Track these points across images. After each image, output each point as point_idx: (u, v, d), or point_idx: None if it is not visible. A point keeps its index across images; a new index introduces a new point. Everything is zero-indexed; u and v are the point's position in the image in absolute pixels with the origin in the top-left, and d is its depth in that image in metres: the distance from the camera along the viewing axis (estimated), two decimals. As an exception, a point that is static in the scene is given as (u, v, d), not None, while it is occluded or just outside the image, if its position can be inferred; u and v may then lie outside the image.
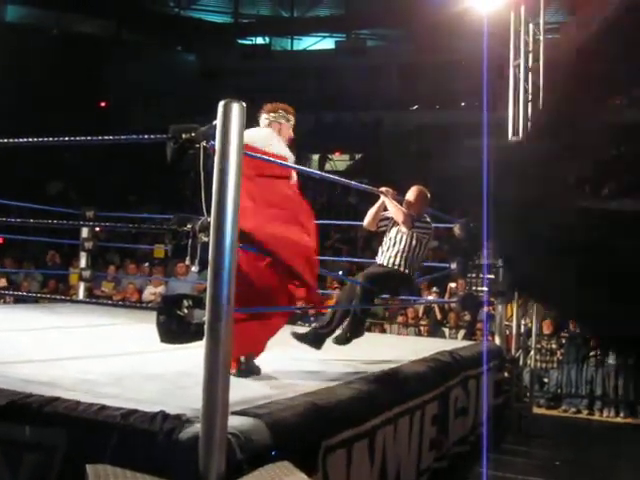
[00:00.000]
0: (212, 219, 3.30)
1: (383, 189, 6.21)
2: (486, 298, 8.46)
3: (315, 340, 5.87)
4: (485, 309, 9.45)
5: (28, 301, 10.38)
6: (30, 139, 4.32)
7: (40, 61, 27.14)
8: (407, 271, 6.16)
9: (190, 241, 3.65)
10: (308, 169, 4.98)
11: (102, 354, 5.51)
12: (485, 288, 8.58)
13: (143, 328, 6.85)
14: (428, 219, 6.35)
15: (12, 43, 27.34)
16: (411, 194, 6.35)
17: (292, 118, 5.60)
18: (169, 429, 3.22)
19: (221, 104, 3.34)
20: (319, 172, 5.14)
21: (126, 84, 29.01)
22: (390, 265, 6.15)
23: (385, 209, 6.26)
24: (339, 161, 29.72)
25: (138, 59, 29.55)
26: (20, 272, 14.33)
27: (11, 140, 4.42)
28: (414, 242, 6.12)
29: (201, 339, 3.31)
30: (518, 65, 9.29)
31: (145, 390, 4.06)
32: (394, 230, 6.23)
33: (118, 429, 3.29)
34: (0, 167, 19.49)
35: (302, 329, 6.17)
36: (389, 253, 6.19)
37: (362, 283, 5.98)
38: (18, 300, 10.72)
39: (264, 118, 5.43)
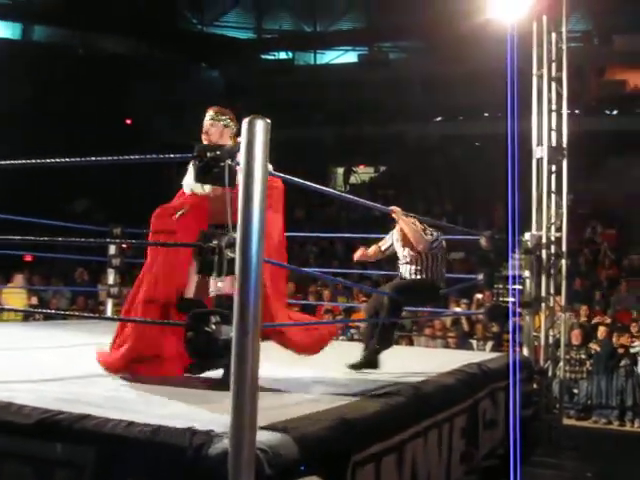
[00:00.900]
0: (238, 236, 3.32)
1: (393, 208, 6.20)
2: (512, 309, 8.42)
3: (370, 363, 5.94)
4: (512, 320, 9.39)
5: (57, 318, 10.45)
6: (56, 159, 4.37)
7: (67, 79, 27.44)
8: (432, 281, 6.17)
9: (216, 257, 3.67)
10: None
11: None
12: (512, 299, 8.54)
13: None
14: (434, 232, 6.32)
15: (40, 62, 27.70)
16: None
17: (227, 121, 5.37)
18: (198, 445, 3.23)
19: (245, 121, 3.36)
20: (324, 188, 5.10)
21: (152, 101, 29.25)
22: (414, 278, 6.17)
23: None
24: (364, 174, 29.75)
25: (163, 76, 29.80)
26: (49, 289, 14.46)
27: (38, 161, 4.45)
28: (430, 259, 6.14)
29: (229, 355, 3.33)
30: (541, 75, 9.27)
31: (173, 405, 4.08)
32: (405, 250, 6.25)
33: (147, 445, 3.31)
34: (26, 185, 19.73)
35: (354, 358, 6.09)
36: (410, 270, 6.21)
37: (389, 294, 5.99)
38: (47, 317, 10.81)
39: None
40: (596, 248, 17.35)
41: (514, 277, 8.41)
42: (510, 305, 8.34)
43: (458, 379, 5.92)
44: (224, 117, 5.24)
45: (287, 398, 4.54)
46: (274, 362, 5.63)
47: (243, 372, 3.20)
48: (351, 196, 6.43)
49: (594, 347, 11.18)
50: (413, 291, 6.17)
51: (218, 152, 3.65)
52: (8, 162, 4.55)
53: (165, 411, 3.83)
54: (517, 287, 8.49)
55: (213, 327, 3.55)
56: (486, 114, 26.47)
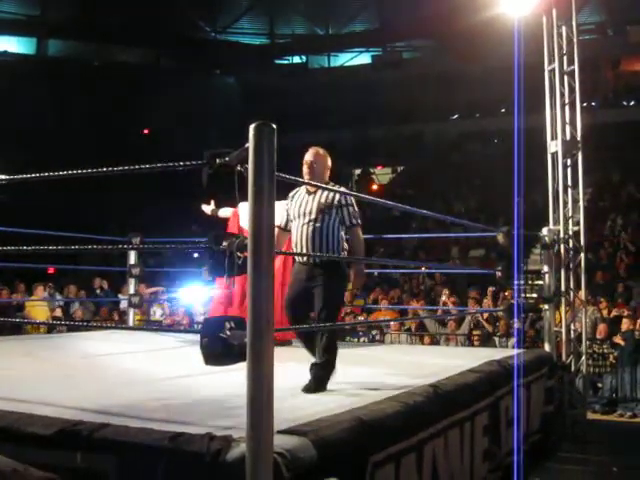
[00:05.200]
0: (249, 240, 3.33)
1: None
2: (522, 304, 8.32)
3: (321, 383, 5.04)
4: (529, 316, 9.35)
5: (81, 329, 10.51)
6: (71, 171, 4.35)
7: (83, 91, 27.64)
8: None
9: (227, 259, 3.69)
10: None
11: (150, 379, 5.57)
12: (534, 295, 8.50)
13: (191, 351, 6.93)
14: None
15: (55, 76, 27.94)
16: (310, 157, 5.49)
17: None
18: (216, 450, 3.24)
19: (252, 127, 3.37)
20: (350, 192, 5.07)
21: (168, 109, 29.39)
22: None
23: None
24: (381, 175, 29.74)
25: (178, 84, 29.92)
26: (74, 300, 14.55)
27: (62, 173, 4.42)
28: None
29: (245, 360, 3.34)
30: (553, 69, 9.22)
31: (192, 412, 4.10)
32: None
33: (166, 452, 3.33)
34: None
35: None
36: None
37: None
38: (71, 329, 10.87)
39: None
40: (617, 240, 17.23)
41: (533, 272, 8.38)
42: (517, 300, 8.26)
43: (479, 377, 5.89)
44: None
45: (304, 401, 4.55)
46: (289, 365, 5.65)
47: (258, 376, 3.21)
48: (370, 196, 6.41)
49: (618, 340, 11.08)
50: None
51: (227, 158, 3.65)
52: (32, 175, 4.53)
53: (184, 418, 3.86)
54: (538, 282, 8.45)
55: (228, 333, 3.56)
56: (503, 110, 26.39)
